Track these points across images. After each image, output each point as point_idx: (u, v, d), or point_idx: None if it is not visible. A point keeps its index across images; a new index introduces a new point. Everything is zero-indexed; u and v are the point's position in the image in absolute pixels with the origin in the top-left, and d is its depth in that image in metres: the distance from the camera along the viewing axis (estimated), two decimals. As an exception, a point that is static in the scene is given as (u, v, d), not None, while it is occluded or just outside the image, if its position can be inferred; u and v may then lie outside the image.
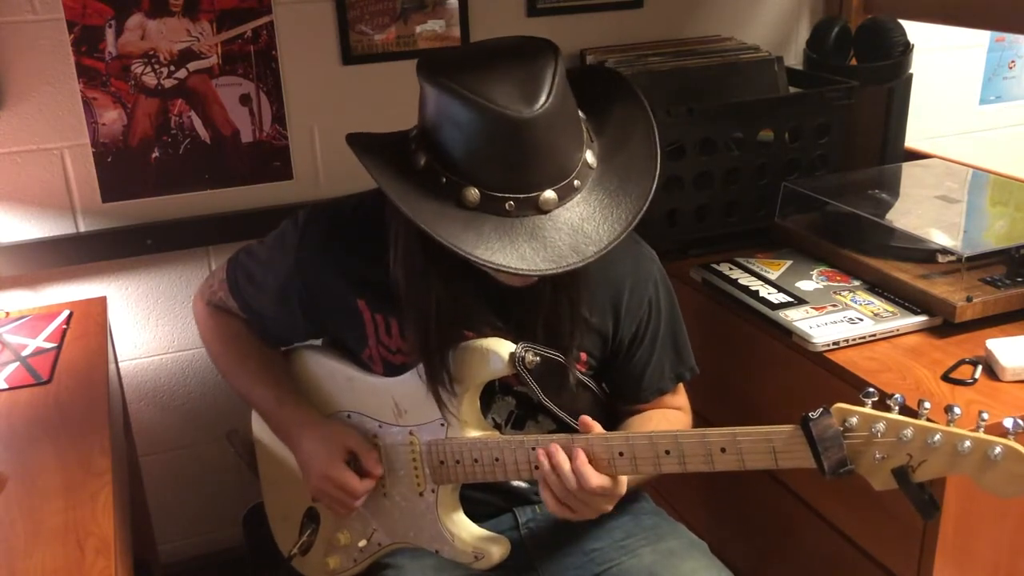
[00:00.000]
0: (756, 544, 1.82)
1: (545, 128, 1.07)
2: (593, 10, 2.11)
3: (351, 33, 1.93)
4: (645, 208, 1.13)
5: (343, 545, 1.42)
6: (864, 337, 1.51)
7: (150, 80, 1.82)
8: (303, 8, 1.90)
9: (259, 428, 1.51)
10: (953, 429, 0.99)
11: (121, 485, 1.36)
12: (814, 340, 1.50)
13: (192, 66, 1.84)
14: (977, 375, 1.40)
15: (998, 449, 0.96)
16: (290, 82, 1.92)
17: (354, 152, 1.16)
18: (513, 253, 1.08)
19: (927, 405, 1.01)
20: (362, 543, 1.41)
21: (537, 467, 1.20)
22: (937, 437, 0.99)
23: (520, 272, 1.08)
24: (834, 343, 1.50)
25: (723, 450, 1.12)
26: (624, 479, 1.20)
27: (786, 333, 1.56)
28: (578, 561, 1.37)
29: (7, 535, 1.14)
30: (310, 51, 1.92)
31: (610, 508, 1.20)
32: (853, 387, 1.45)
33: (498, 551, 1.32)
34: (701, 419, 1.66)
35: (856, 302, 1.60)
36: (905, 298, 1.59)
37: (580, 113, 1.18)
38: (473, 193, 1.10)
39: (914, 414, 1.02)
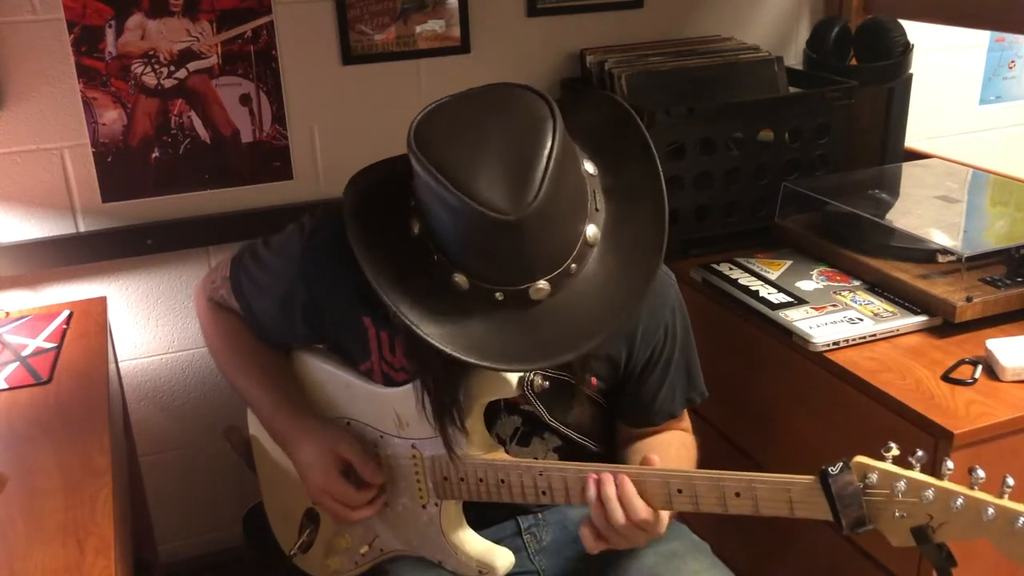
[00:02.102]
0: (757, 545, 1.82)
1: (537, 224, 1.00)
2: (593, 10, 2.11)
3: (351, 33, 1.93)
4: (645, 296, 1.08)
5: (344, 548, 1.41)
6: (864, 337, 1.51)
7: (150, 80, 1.82)
8: (303, 8, 1.90)
9: (256, 426, 1.50)
10: (977, 495, 0.96)
11: (121, 485, 1.36)
12: (814, 340, 1.50)
13: (192, 66, 1.84)
14: (977, 375, 1.40)
15: (1022, 520, 0.93)
16: (290, 82, 1.92)
17: (344, 214, 1.13)
18: (500, 348, 1.05)
19: (950, 465, 0.98)
20: (363, 549, 1.40)
21: (544, 492, 1.18)
22: (960, 501, 0.96)
23: (506, 370, 1.06)
24: (834, 343, 1.50)
25: (738, 495, 1.08)
26: (665, 516, 1.16)
27: (786, 333, 1.55)
28: (580, 564, 1.37)
29: (7, 535, 1.14)
30: (310, 51, 1.92)
31: (643, 543, 1.17)
32: (853, 387, 1.45)
33: (502, 566, 1.31)
34: (699, 420, 1.66)
35: (856, 302, 1.60)
36: (905, 298, 1.59)
37: (589, 168, 1.11)
38: (462, 279, 1.06)
39: (935, 469, 1.00)
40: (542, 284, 1.05)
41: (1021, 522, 0.93)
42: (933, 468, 1.01)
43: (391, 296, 1.07)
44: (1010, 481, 0.96)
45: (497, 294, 1.06)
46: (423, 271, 1.08)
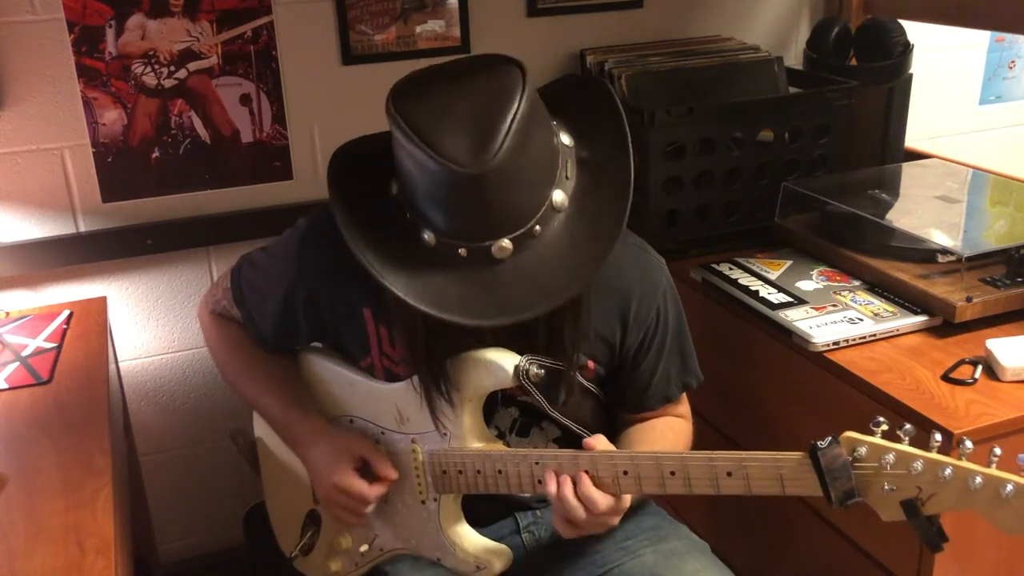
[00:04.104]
0: (757, 544, 1.82)
1: (498, 180, 1.04)
2: (593, 10, 2.11)
3: (351, 33, 1.93)
4: (603, 263, 1.10)
5: (344, 549, 1.41)
6: (864, 337, 1.51)
7: (150, 80, 1.82)
8: (303, 8, 1.90)
9: (261, 428, 1.51)
10: (965, 464, 0.97)
11: (121, 485, 1.36)
12: (814, 340, 1.50)
13: (192, 66, 1.84)
14: (977, 375, 1.40)
15: (1010, 487, 0.95)
16: (290, 82, 1.92)
17: (328, 176, 1.18)
18: (459, 302, 1.08)
19: (938, 437, 1.00)
20: (363, 548, 1.40)
21: (540, 482, 1.20)
22: (948, 471, 0.98)
23: (463, 323, 1.08)
24: (834, 343, 1.50)
25: (729, 474, 1.10)
26: (627, 497, 1.19)
27: (786, 333, 1.55)
28: (580, 563, 1.37)
29: (7, 535, 1.14)
30: (310, 51, 1.92)
31: (616, 523, 1.20)
32: (853, 387, 1.45)
33: (500, 562, 1.31)
34: (700, 420, 1.66)
35: (856, 302, 1.60)
36: (905, 298, 1.59)
37: (566, 140, 1.15)
38: (429, 236, 1.10)
39: (925, 444, 1.01)
40: (505, 243, 1.08)
41: (1008, 489, 0.95)
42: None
43: (362, 251, 1.12)
44: (997, 451, 0.97)
45: (461, 250, 1.09)
46: (397, 229, 1.13)
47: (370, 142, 1.23)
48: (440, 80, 1.12)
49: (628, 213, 1.12)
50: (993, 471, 0.96)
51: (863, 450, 1.02)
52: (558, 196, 1.12)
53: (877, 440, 1.02)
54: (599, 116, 1.19)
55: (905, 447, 1.01)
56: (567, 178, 1.13)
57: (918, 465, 0.99)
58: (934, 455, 0.99)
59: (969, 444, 0.98)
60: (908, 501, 1.01)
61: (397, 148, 1.11)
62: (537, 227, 1.10)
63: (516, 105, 1.06)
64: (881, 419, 1.03)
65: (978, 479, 0.96)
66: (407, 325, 1.23)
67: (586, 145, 1.17)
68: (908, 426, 1.01)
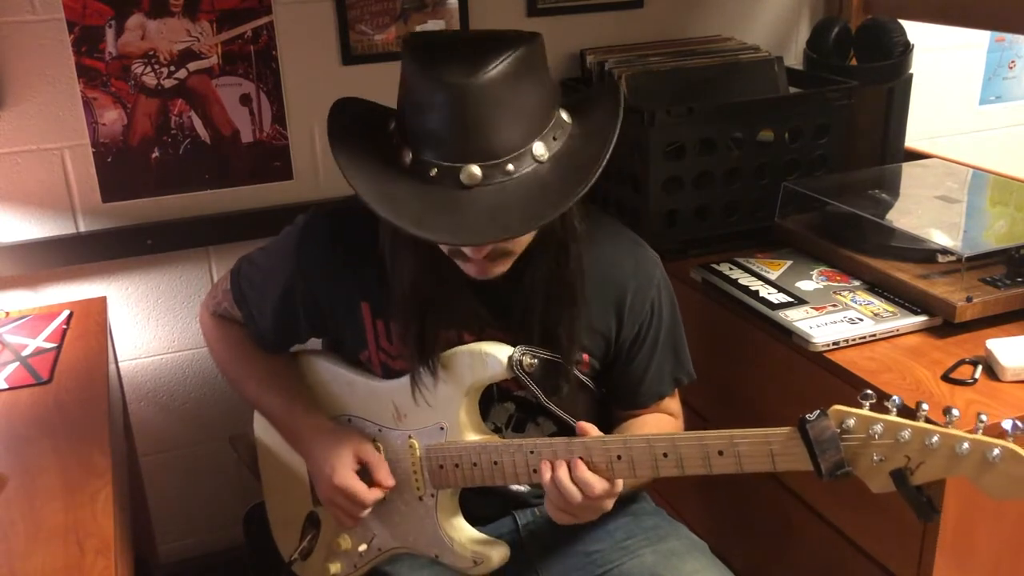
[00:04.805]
0: (756, 544, 1.82)
1: (479, 99, 1.07)
2: (593, 10, 2.11)
3: (351, 33, 1.93)
4: (557, 215, 1.11)
5: (343, 550, 1.42)
6: (864, 337, 1.51)
7: (150, 80, 1.82)
8: (303, 8, 1.90)
9: (261, 431, 1.51)
10: (951, 431, 0.99)
11: (121, 485, 1.36)
12: (814, 340, 1.50)
13: (192, 66, 1.84)
14: (977, 375, 1.40)
15: (996, 451, 0.96)
16: (290, 82, 1.92)
17: (330, 118, 1.20)
18: (414, 214, 1.09)
19: (925, 407, 1.01)
20: (362, 548, 1.40)
21: (535, 471, 1.20)
22: (935, 439, 0.99)
23: (413, 233, 1.09)
24: (834, 343, 1.50)
25: (720, 453, 1.12)
26: (620, 482, 1.20)
27: (786, 333, 1.55)
28: (579, 563, 1.37)
29: (7, 535, 1.14)
30: (310, 51, 1.92)
31: (610, 507, 1.21)
32: (853, 387, 1.45)
33: (497, 556, 1.32)
34: (700, 419, 1.67)
35: (856, 302, 1.60)
36: (905, 298, 1.59)
37: (563, 115, 1.17)
38: (407, 155, 1.13)
39: (912, 416, 1.02)
40: (474, 169, 1.09)
41: (995, 453, 0.97)
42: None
43: (339, 152, 1.15)
44: (983, 417, 0.98)
45: (432, 171, 1.11)
46: (381, 151, 1.16)
47: (373, 104, 1.26)
48: (461, 31, 1.20)
49: (602, 168, 1.12)
50: (980, 436, 0.98)
51: (851, 422, 1.03)
52: (539, 148, 1.12)
53: (865, 412, 1.04)
54: (597, 94, 1.23)
55: (892, 417, 1.02)
56: (554, 139, 1.15)
57: (906, 434, 1.00)
58: (921, 424, 1.01)
59: (956, 412, 1.00)
60: (897, 471, 1.02)
61: (401, 73, 1.14)
62: (510, 166, 1.11)
63: (516, 47, 1.09)
64: (869, 391, 1.05)
65: (965, 445, 0.98)
66: (401, 286, 1.24)
67: (582, 123, 1.19)
68: (895, 397, 1.03)
